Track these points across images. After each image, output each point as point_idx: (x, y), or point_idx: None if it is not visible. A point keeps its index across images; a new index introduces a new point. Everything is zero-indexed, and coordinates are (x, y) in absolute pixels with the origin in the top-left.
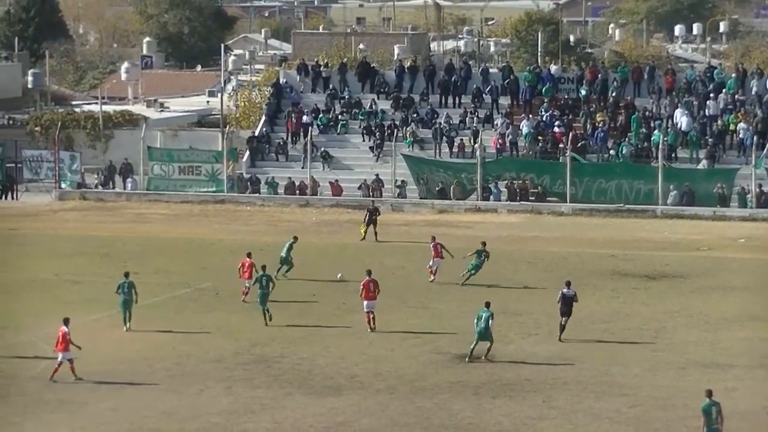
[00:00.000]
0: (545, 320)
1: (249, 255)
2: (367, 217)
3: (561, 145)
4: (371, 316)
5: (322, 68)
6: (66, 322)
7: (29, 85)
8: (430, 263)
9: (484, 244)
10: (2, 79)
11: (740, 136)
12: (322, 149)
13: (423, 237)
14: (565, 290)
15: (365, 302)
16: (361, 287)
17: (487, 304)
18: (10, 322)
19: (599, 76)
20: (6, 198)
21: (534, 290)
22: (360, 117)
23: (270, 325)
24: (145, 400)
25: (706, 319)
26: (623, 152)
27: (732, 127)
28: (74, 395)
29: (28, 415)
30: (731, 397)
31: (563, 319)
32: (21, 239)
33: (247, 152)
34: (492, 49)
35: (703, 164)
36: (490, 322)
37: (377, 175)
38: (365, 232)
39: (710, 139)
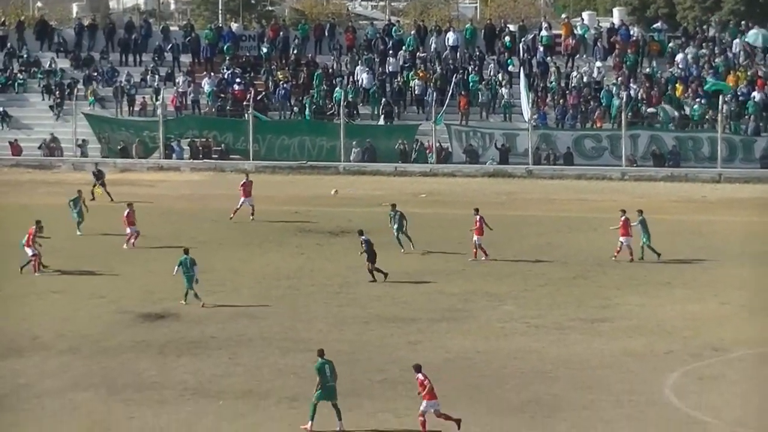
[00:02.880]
0: (230, 277)
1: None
2: (97, 180)
3: (245, 103)
4: None
5: None
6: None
7: None
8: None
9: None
10: None
11: (417, 92)
12: (1, 109)
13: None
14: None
15: None
16: None
17: (186, 251)
18: None
19: (280, 33)
20: None
21: (219, 248)
22: (39, 76)
23: None
24: None
25: (389, 273)
26: (305, 109)
27: (411, 83)
28: None
29: None
30: (415, 350)
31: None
32: None
33: None
34: (172, 6)
35: (381, 120)
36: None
37: (52, 134)
38: (105, 193)
39: (390, 96)
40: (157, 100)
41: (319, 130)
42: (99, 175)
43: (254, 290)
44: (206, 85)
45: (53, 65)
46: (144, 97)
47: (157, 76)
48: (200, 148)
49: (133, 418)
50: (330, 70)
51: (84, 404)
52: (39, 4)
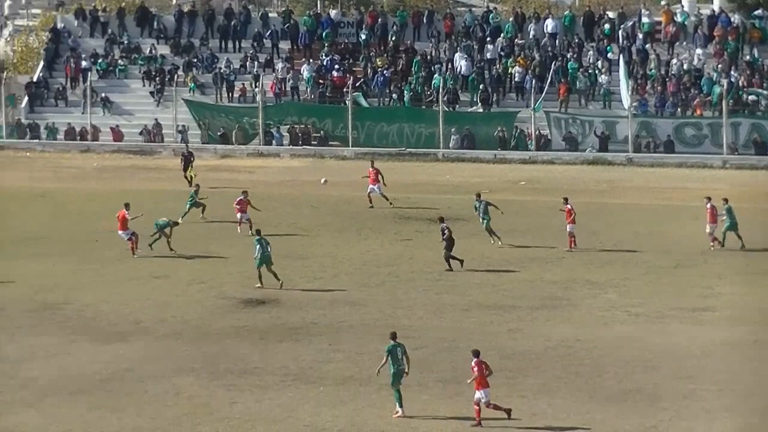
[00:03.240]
0: (330, 264)
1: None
2: (183, 163)
3: (345, 90)
4: None
5: (100, 13)
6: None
7: None
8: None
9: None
10: None
11: (516, 79)
12: (102, 94)
13: (206, 182)
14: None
15: None
16: None
17: (258, 231)
18: None
19: (379, 20)
20: None
21: (318, 234)
22: (140, 62)
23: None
24: None
25: (488, 261)
26: (404, 96)
27: (510, 70)
28: None
29: None
30: (514, 338)
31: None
32: None
33: (26, 98)
34: None
35: (478, 107)
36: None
37: (156, 119)
38: (191, 177)
39: (488, 83)
40: (256, 86)
41: (417, 117)
42: (188, 158)
43: (354, 277)
44: (305, 71)
45: (153, 51)
46: (243, 84)
47: (256, 63)
48: (299, 134)
49: (234, 402)
50: (428, 57)
51: (186, 389)
52: None
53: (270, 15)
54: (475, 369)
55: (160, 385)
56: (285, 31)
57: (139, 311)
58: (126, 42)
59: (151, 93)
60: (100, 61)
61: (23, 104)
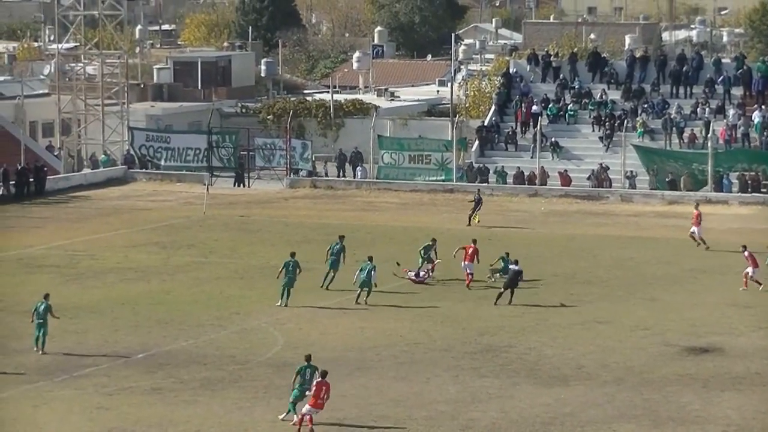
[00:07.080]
0: None
1: (474, 241)
2: (474, 205)
3: None
4: None
5: (552, 58)
6: None
7: (262, 74)
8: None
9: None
10: (236, 67)
11: None
12: (552, 139)
13: (652, 228)
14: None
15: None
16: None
17: (370, 258)
18: (242, 307)
19: None
20: (238, 185)
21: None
22: (590, 107)
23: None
24: (374, 387)
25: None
26: None
27: None
28: None
29: (258, 399)
30: None
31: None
32: (253, 226)
33: (477, 141)
34: (725, 38)
35: None
36: (372, 273)
37: (601, 164)
38: (474, 219)
39: None
40: (706, 132)
41: None
42: (478, 202)
43: None
44: (756, 117)
45: (604, 96)
46: (693, 130)
47: (707, 108)
48: (749, 181)
49: None
50: None
51: None
52: (592, 36)
53: (723, 60)
54: (314, 388)
55: (600, 431)
56: (738, 77)
57: (581, 356)
58: (577, 87)
59: (600, 138)
60: (550, 105)
61: (474, 148)
